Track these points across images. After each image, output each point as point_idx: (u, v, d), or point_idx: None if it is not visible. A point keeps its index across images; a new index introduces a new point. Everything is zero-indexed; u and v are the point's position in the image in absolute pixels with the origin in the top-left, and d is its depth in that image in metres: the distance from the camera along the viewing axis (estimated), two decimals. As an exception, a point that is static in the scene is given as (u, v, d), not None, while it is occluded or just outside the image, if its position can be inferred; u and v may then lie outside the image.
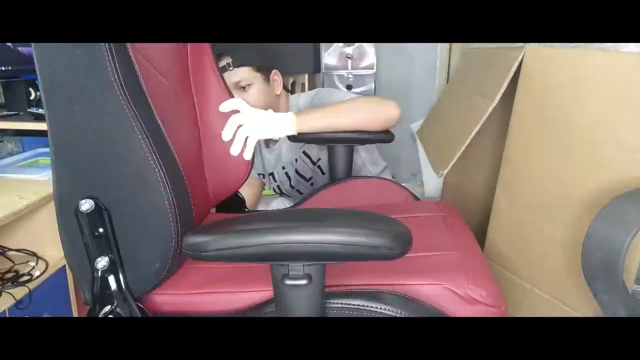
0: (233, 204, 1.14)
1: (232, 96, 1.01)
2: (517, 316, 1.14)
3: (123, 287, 0.69)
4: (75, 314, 1.29)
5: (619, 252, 0.70)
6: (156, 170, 0.64)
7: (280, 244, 0.59)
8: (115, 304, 0.70)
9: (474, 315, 0.71)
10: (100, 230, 0.67)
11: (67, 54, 0.61)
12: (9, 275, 1.14)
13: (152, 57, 0.81)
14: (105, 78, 0.61)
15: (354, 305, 0.69)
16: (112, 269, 0.69)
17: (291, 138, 1.11)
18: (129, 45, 0.64)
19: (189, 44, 0.97)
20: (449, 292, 0.71)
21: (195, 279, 0.78)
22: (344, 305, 0.69)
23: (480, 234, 1.20)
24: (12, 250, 1.23)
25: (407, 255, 0.78)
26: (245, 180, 1.05)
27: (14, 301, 1.07)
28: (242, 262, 0.73)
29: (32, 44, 0.63)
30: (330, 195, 1.16)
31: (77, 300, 1.30)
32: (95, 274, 0.68)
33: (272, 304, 0.71)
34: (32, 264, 1.19)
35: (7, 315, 1.06)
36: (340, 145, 1.18)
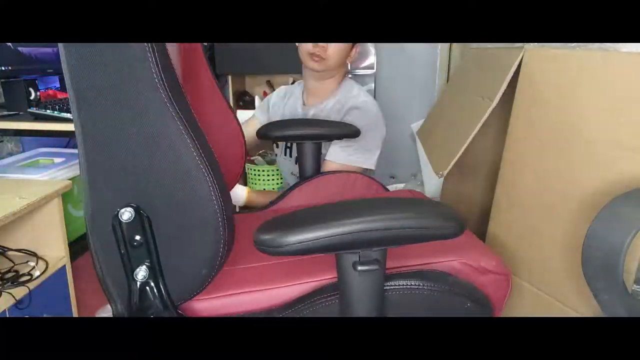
0: None
1: (225, 98, 1.02)
2: (517, 316, 1.15)
3: (164, 295, 0.67)
4: (75, 314, 1.29)
5: (619, 252, 0.71)
6: (205, 173, 0.61)
7: (363, 231, 0.61)
8: (153, 315, 0.67)
9: (489, 284, 0.79)
10: (138, 238, 0.63)
11: (102, 55, 0.58)
12: (9, 275, 1.14)
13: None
14: (149, 79, 0.58)
15: (410, 284, 0.73)
16: (152, 277, 0.66)
17: (260, 135, 1.21)
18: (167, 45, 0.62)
19: (181, 45, 0.94)
20: (466, 266, 0.77)
21: (227, 281, 0.77)
22: (401, 286, 0.73)
23: (480, 234, 1.20)
24: (12, 250, 1.23)
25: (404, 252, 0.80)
26: (239, 179, 1.07)
27: (14, 301, 1.07)
28: (318, 253, 0.68)
29: (61, 45, 0.59)
30: (304, 192, 1.17)
31: (77, 300, 1.30)
32: (134, 286, 0.65)
33: (312, 297, 0.74)
34: (32, 264, 1.19)
35: (7, 315, 1.06)
36: (309, 142, 1.20)
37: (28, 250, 1.24)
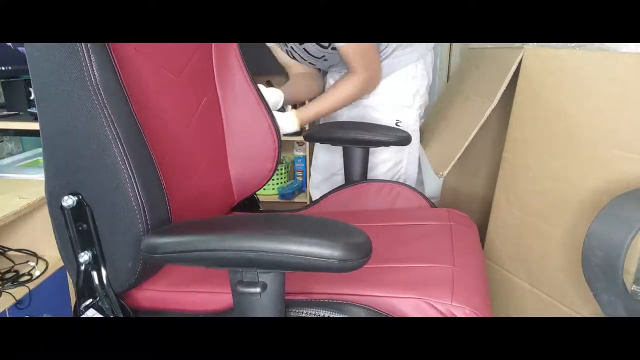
0: (248, 203, 1.14)
1: (259, 92, 1.03)
2: (516, 316, 1.15)
3: (104, 282, 0.71)
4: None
5: (619, 252, 0.71)
6: (124, 169, 0.64)
7: (224, 250, 0.58)
8: (97, 298, 0.71)
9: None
10: (84, 225, 0.69)
11: (49, 54, 0.63)
12: (9, 275, 1.14)
13: (158, 55, 0.82)
14: (80, 77, 0.62)
15: (316, 316, 0.67)
16: (94, 263, 0.70)
17: (308, 138, 1.21)
18: (108, 45, 0.65)
19: (214, 44, 0.99)
20: (429, 307, 0.67)
21: (178, 276, 0.78)
22: (306, 316, 0.67)
23: (480, 234, 1.20)
24: (12, 250, 1.23)
25: (395, 266, 0.77)
26: (270, 178, 1.06)
27: (14, 301, 1.07)
28: (194, 266, 0.72)
29: (25, 44, 0.65)
30: (343, 196, 1.14)
31: (77, 300, 1.30)
32: (80, 267, 0.70)
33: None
34: (32, 264, 1.19)
35: (7, 315, 1.06)
36: (356, 146, 1.17)
37: (28, 250, 1.24)
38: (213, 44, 1.00)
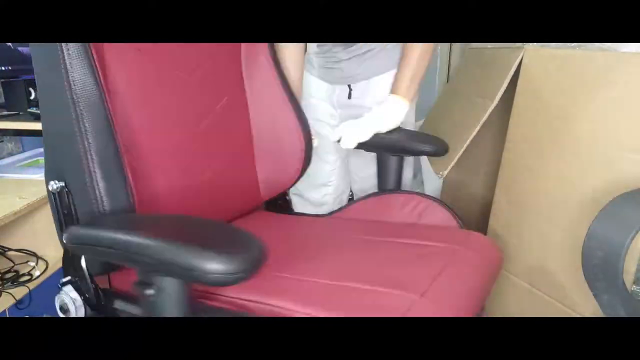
0: (279, 204, 1.16)
1: (288, 91, 1.02)
2: (516, 316, 1.15)
3: (82, 264, 0.75)
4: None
5: (619, 252, 0.71)
6: (86, 162, 0.69)
7: (109, 248, 0.60)
8: (76, 277, 0.76)
9: None
10: (66, 209, 0.74)
11: (41, 53, 0.70)
12: (9, 275, 1.14)
13: (166, 55, 0.84)
14: (59, 77, 0.67)
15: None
16: None
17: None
18: (90, 45, 0.69)
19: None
20: None
21: None
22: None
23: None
24: (12, 250, 1.23)
25: (352, 285, 0.72)
26: (298, 179, 1.06)
27: (14, 301, 1.07)
28: (101, 259, 0.75)
29: (29, 44, 0.71)
30: (367, 205, 1.09)
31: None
32: (64, 245, 0.73)
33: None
34: (32, 264, 1.19)
35: (7, 315, 1.06)
36: (391, 155, 1.10)
37: (28, 250, 1.24)
38: (242, 44, 1.00)
